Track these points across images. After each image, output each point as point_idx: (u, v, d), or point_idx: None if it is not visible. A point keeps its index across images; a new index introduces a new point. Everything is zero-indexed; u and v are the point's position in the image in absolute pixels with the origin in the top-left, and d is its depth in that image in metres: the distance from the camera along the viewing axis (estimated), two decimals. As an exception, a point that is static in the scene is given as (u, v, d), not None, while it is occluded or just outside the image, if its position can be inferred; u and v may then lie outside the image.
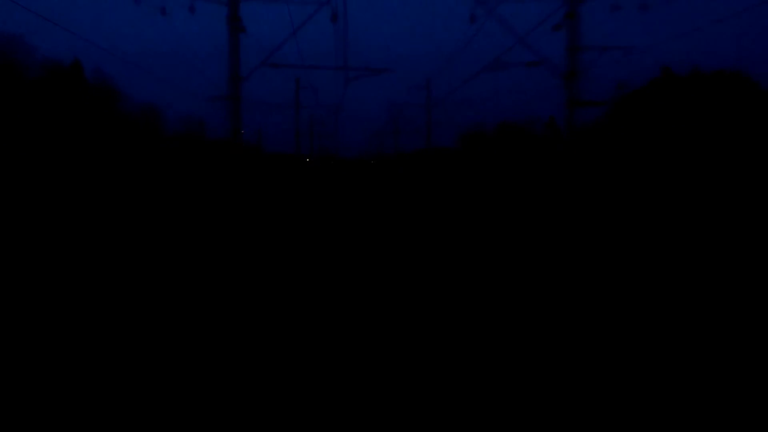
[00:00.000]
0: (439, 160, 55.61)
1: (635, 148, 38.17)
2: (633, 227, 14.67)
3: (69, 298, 7.17)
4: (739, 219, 14.69)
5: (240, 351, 4.95)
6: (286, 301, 6.85)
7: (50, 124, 32.45)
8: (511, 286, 7.96)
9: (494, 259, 10.47)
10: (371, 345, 5.16)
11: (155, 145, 47.74)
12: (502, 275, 8.80)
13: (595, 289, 7.73)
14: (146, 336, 5.49)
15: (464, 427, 3.54)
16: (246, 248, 11.30)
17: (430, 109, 46.31)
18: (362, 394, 4.00)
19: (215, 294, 7.41)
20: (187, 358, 4.68)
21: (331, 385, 4.16)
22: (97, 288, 7.66)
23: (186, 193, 25.32)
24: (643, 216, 16.65)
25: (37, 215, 15.60)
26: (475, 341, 5.47)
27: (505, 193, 26.32)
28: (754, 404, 3.78)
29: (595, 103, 20.30)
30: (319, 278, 8.41)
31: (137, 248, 10.74)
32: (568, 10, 18.48)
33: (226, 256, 10.34)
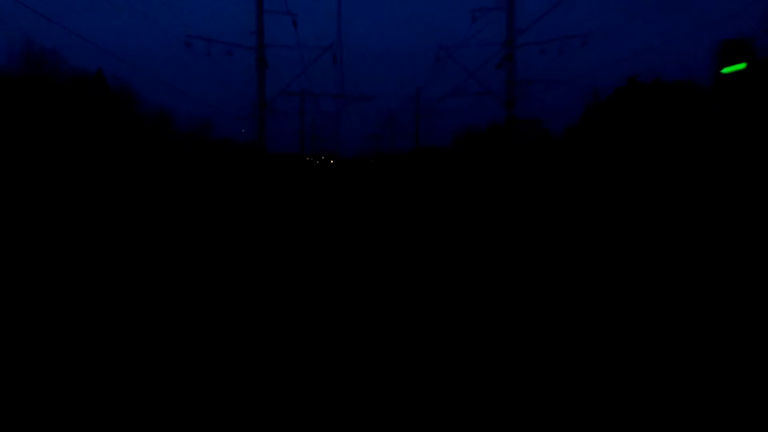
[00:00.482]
0: (436, 156, 61.12)
1: (601, 144, 43.02)
2: (599, 211, 15.96)
3: (80, 287, 7.21)
4: (693, 207, 15.64)
5: (240, 347, 4.88)
6: (287, 296, 6.78)
7: (78, 124, 37.27)
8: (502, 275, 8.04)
9: (487, 247, 10.71)
10: (370, 341, 5.09)
11: (166, 142, 53.05)
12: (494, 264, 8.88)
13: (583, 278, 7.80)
14: (147, 331, 5.44)
15: (464, 427, 3.48)
16: (253, 237, 11.73)
17: (419, 117, 52.96)
18: (362, 394, 3.94)
19: (222, 285, 7.39)
20: (187, 357, 4.63)
21: (331, 384, 4.09)
22: (113, 277, 7.76)
23: (202, 185, 28.10)
24: (605, 200, 18.82)
25: (61, 203, 17.09)
26: (462, 332, 5.45)
27: (492, 184, 29.59)
28: (754, 404, 3.73)
29: (528, 122, 27.07)
30: (320, 270, 8.44)
31: (151, 239, 11.11)
32: (506, 54, 25.01)
33: (234, 245, 10.59)
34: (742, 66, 30.93)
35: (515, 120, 24.40)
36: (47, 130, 33.34)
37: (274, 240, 11.52)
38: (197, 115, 66.75)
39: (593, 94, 49.98)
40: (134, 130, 45.43)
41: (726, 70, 32.06)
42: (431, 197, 23.83)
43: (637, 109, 42.62)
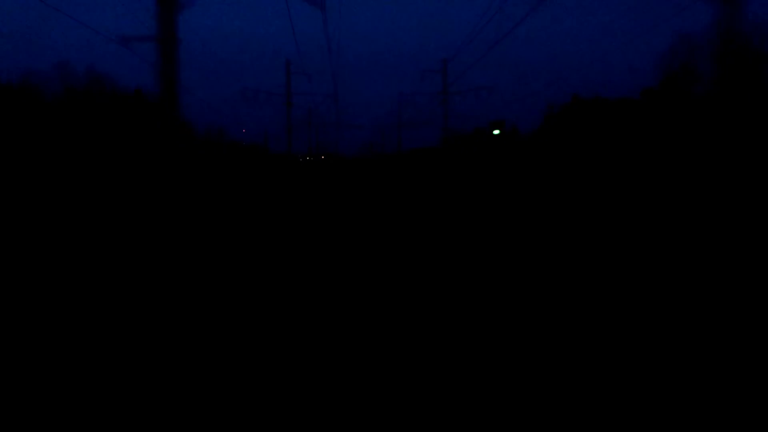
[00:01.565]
0: (428, 153, 72.45)
1: (554, 148, 53.00)
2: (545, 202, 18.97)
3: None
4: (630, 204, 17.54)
5: (239, 346, 4.88)
6: (286, 292, 6.89)
7: (129, 131, 47.55)
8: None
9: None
10: (367, 337, 5.13)
11: (191, 144, 63.55)
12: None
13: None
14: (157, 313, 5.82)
15: (464, 427, 3.44)
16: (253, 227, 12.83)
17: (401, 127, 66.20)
18: (361, 393, 3.89)
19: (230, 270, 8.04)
20: (187, 356, 4.63)
21: (330, 384, 4.04)
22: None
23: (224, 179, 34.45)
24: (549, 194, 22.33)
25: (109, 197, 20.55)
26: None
27: (470, 177, 38.02)
28: (754, 404, 3.67)
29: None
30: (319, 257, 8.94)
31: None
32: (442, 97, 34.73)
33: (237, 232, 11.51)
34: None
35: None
36: (110, 134, 43.70)
37: (281, 228, 12.90)
38: (216, 125, 78.30)
39: (548, 106, 60.14)
40: (168, 135, 55.84)
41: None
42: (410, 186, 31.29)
43: (578, 121, 52.52)
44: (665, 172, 28.60)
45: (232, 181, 34.76)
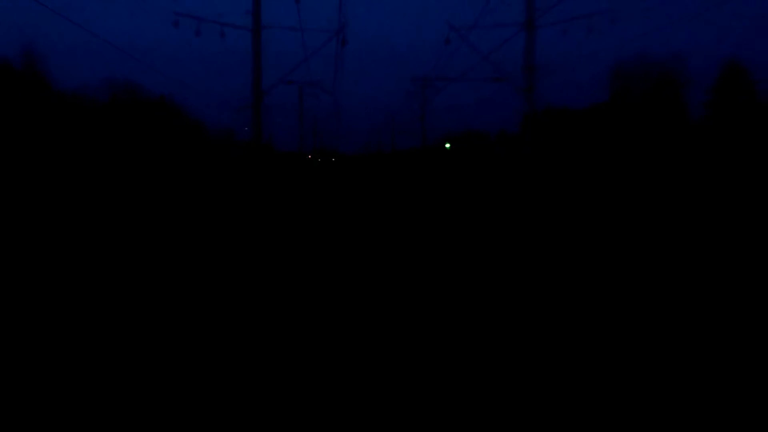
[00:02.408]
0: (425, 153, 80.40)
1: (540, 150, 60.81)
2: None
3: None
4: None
5: (239, 344, 4.84)
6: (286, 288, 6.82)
7: (156, 131, 55.04)
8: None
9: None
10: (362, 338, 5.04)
11: (203, 143, 70.92)
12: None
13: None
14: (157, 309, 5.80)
15: (464, 427, 3.43)
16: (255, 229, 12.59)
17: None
18: (361, 393, 3.88)
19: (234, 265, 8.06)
20: (187, 354, 4.59)
21: (330, 384, 4.02)
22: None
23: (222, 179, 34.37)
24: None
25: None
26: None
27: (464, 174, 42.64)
28: (754, 404, 3.69)
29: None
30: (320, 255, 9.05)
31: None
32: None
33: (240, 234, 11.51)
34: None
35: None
36: (141, 134, 51.31)
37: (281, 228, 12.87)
38: (222, 124, 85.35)
39: (524, 114, 68.20)
40: (185, 135, 63.54)
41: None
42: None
43: (549, 125, 60.36)
44: (611, 166, 36.26)
45: (245, 173, 39.79)
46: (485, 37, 30.97)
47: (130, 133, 49.65)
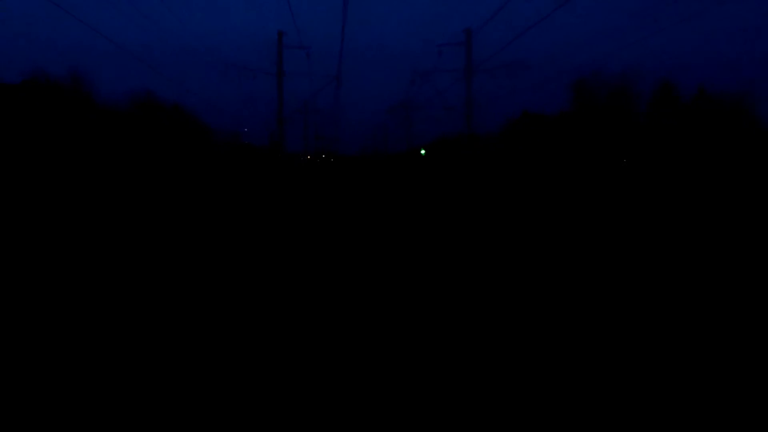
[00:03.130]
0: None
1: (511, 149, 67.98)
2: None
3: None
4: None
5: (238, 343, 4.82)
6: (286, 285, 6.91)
7: (172, 134, 62.05)
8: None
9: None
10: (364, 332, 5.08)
11: (210, 145, 78.31)
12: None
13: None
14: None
15: (464, 427, 3.42)
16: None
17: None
18: (361, 393, 3.86)
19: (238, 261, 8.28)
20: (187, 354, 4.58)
21: (330, 384, 4.00)
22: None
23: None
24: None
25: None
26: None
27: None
28: (754, 404, 3.68)
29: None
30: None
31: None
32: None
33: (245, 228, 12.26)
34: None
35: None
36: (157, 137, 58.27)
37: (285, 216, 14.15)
38: (230, 128, 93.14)
39: (507, 120, 75.49)
40: (194, 137, 70.73)
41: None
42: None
43: (526, 129, 67.70)
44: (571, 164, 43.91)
45: (249, 173, 45.53)
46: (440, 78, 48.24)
47: (155, 137, 56.55)
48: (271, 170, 47.18)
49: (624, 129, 47.92)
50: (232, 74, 35.95)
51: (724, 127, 43.86)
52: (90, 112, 48.20)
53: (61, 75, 48.48)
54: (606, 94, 50.03)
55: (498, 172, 42.77)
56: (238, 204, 17.92)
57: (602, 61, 77.48)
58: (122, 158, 46.58)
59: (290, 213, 15.12)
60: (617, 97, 48.73)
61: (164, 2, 28.15)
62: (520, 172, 42.08)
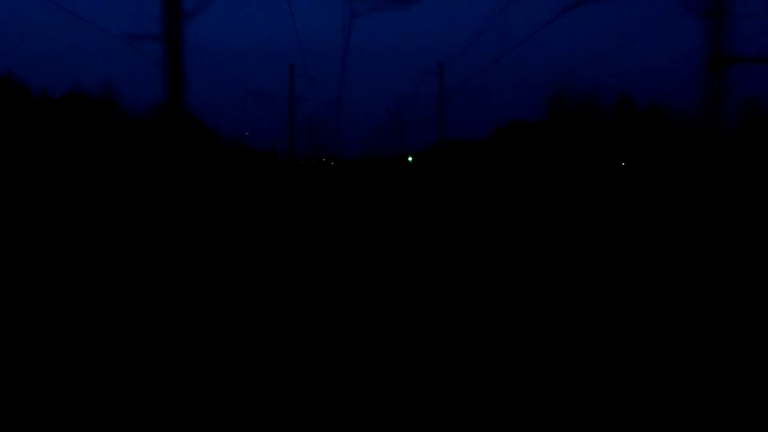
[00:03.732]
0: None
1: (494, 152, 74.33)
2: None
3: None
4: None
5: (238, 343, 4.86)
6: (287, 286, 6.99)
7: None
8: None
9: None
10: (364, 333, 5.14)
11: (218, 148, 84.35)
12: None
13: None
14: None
15: (464, 427, 3.43)
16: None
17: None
18: (361, 393, 3.89)
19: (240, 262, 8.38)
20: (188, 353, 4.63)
21: (330, 384, 4.03)
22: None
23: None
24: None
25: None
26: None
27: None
28: (754, 404, 3.69)
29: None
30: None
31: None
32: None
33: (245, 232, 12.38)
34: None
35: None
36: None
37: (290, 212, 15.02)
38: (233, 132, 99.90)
39: (497, 126, 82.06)
40: (205, 140, 76.94)
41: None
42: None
43: (513, 137, 74.09)
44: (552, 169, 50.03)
45: (254, 177, 46.65)
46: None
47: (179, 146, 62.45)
48: (287, 171, 52.85)
49: (593, 135, 54.72)
50: (251, 99, 41.72)
51: (671, 133, 50.64)
52: (122, 123, 54.56)
53: (92, 89, 54.89)
54: (575, 106, 57.09)
55: (477, 171, 48.82)
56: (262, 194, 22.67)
57: (573, 76, 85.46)
58: (154, 162, 52.59)
59: (300, 198, 19.48)
60: (586, 109, 55.76)
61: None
62: (503, 173, 47.47)
